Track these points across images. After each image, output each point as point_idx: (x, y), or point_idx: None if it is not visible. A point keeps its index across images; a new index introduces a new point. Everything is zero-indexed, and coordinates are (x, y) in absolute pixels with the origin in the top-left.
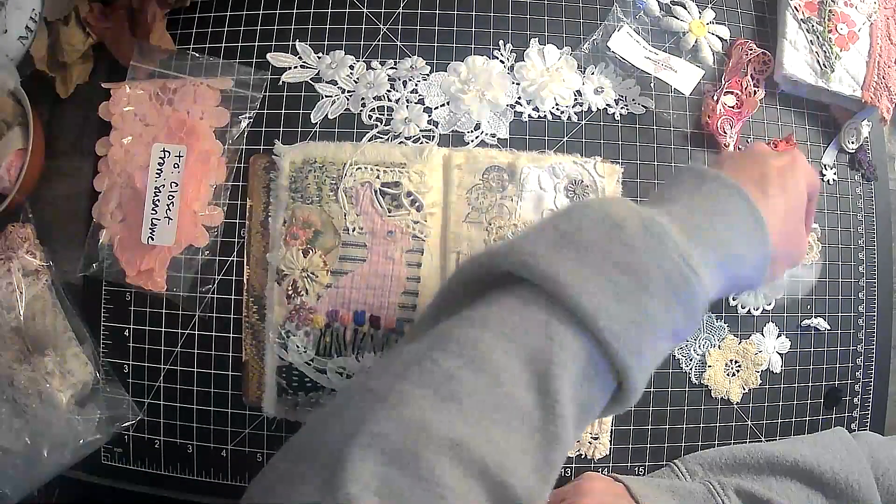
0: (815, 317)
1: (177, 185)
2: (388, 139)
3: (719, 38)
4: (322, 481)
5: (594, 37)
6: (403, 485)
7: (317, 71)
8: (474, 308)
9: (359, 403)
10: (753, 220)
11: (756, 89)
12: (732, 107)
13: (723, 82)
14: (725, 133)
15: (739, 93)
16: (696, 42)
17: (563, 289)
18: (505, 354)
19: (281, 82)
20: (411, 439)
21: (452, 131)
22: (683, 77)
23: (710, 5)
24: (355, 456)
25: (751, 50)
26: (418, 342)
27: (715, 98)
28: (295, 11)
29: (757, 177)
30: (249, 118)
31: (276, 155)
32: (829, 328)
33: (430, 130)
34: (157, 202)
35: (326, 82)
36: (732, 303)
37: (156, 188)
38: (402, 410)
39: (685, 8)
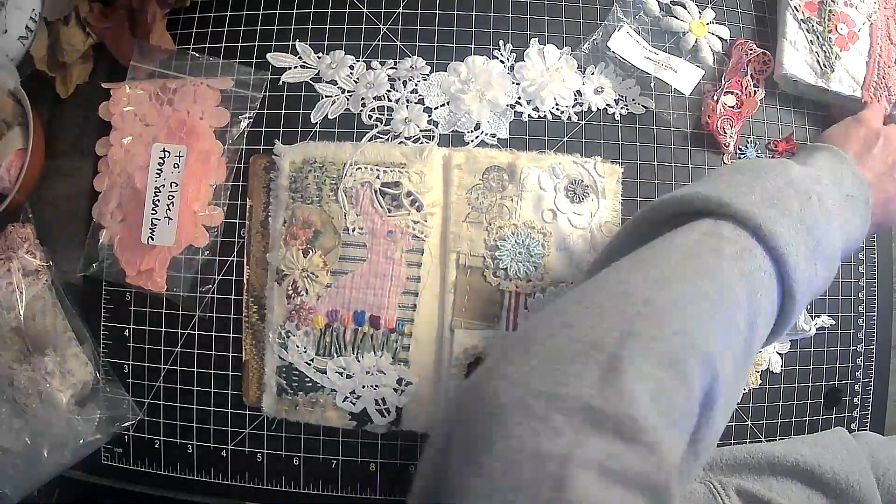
0: (816, 316)
1: (177, 185)
2: (388, 139)
3: (719, 38)
4: (600, 377)
5: (594, 37)
6: (671, 387)
7: (317, 71)
8: (704, 236)
9: (631, 308)
10: (868, 218)
11: (756, 89)
12: (732, 107)
13: (723, 82)
14: (725, 133)
15: (739, 93)
16: (696, 42)
17: (779, 245)
18: (739, 288)
19: (281, 82)
20: (680, 347)
21: (452, 131)
22: (683, 77)
23: (710, 5)
24: (633, 356)
25: (751, 50)
26: (658, 260)
27: (715, 98)
28: (295, 11)
29: (887, 176)
30: (249, 118)
31: (276, 155)
32: (833, 324)
33: (430, 130)
34: (157, 202)
35: (326, 82)
36: None
37: (156, 188)
38: (674, 319)
39: (685, 8)
